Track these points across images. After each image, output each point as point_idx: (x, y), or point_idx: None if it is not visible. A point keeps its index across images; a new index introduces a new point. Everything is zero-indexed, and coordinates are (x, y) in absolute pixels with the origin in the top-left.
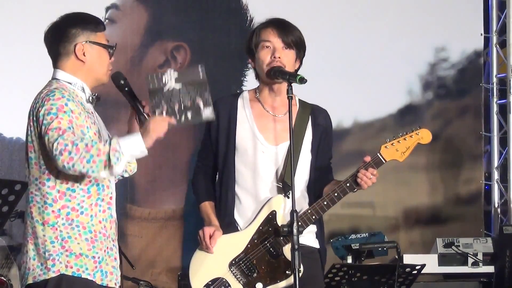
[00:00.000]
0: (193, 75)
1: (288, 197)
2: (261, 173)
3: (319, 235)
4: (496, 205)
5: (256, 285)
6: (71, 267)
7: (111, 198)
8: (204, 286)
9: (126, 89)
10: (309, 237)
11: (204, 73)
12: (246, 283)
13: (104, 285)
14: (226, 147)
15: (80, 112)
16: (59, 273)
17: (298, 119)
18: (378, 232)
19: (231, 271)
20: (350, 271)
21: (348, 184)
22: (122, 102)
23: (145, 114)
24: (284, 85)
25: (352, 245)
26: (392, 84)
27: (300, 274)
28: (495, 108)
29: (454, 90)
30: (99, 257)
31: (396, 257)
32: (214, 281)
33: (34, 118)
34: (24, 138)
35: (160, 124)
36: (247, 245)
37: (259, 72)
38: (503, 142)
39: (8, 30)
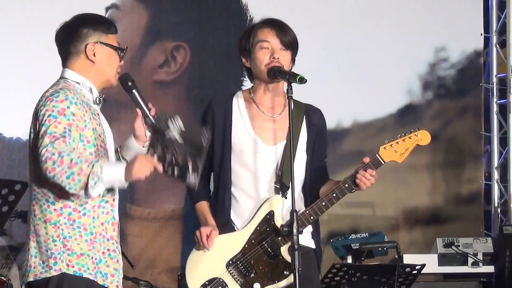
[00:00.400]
0: (196, 138)
1: (286, 198)
2: (258, 173)
3: (315, 235)
4: (496, 205)
5: (254, 285)
6: (73, 266)
7: (114, 200)
8: (201, 286)
9: (134, 91)
10: (305, 237)
11: (207, 142)
12: (243, 283)
13: (105, 286)
14: (222, 147)
15: (83, 115)
16: (60, 272)
17: (293, 119)
18: (378, 232)
19: (229, 271)
20: (350, 271)
21: (346, 185)
22: (122, 102)
23: (151, 117)
24: (279, 85)
25: (352, 245)
26: (392, 84)
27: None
28: (495, 108)
29: (454, 90)
30: (96, 258)
31: (396, 257)
32: (211, 281)
33: (36, 116)
34: (24, 138)
35: (145, 166)
36: (244, 245)
37: (256, 72)
38: (503, 142)
39: (9, 30)
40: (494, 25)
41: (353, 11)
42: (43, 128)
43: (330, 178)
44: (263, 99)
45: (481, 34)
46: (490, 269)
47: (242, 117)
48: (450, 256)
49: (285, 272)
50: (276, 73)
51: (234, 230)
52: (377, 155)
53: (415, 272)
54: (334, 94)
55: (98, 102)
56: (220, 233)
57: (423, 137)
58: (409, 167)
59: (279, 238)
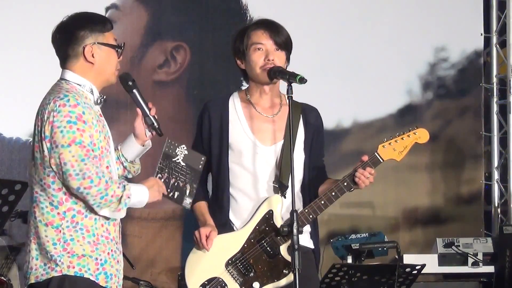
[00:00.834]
0: (195, 162)
1: (285, 197)
2: (257, 173)
3: (314, 235)
4: (496, 205)
5: (253, 285)
6: (73, 267)
7: None
8: (200, 286)
9: (134, 90)
10: (303, 237)
11: (203, 166)
12: (243, 282)
13: (108, 287)
14: (219, 149)
15: (92, 121)
16: (61, 274)
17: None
18: (378, 232)
19: (228, 271)
20: (350, 271)
21: (345, 183)
22: (122, 102)
23: (151, 116)
24: (275, 87)
25: (352, 245)
26: (392, 84)
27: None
28: (495, 108)
29: (454, 90)
30: (101, 259)
31: (396, 257)
32: (210, 280)
33: (44, 119)
34: (24, 138)
35: (159, 191)
36: (243, 245)
37: (251, 75)
38: (503, 142)
39: (8, 31)
40: (494, 25)
41: (353, 11)
42: (67, 135)
43: (328, 177)
44: (260, 100)
45: (481, 34)
46: (490, 269)
47: (239, 118)
48: (450, 256)
49: (284, 271)
50: (276, 73)
51: (233, 230)
52: (375, 154)
53: (415, 272)
54: (334, 94)
55: (99, 103)
56: (219, 233)
57: (422, 135)
58: (409, 167)
59: (278, 238)
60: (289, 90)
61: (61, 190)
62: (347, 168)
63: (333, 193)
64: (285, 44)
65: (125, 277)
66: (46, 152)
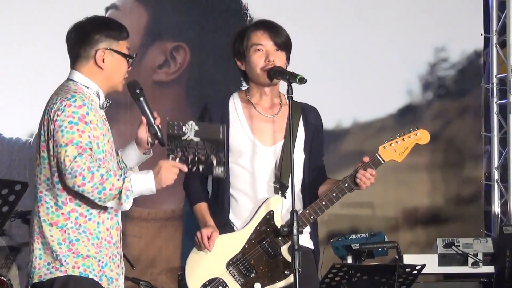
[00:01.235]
0: (214, 133)
1: (285, 197)
2: (257, 174)
3: (313, 235)
4: (496, 205)
5: (254, 285)
6: (78, 268)
7: None
8: (201, 287)
9: (141, 98)
10: (303, 238)
11: (224, 134)
12: (243, 283)
13: None
14: None
15: (97, 121)
16: (66, 274)
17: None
18: (378, 232)
19: (229, 271)
20: (350, 271)
21: (346, 184)
22: (121, 102)
23: (155, 126)
24: (275, 88)
25: (352, 245)
26: (392, 84)
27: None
28: (495, 108)
29: (454, 90)
30: (103, 262)
31: (396, 257)
32: (211, 281)
33: (50, 118)
34: (24, 138)
35: (171, 171)
36: (244, 245)
37: (251, 76)
38: (503, 142)
39: (9, 31)
40: (494, 25)
41: (353, 11)
42: (66, 135)
43: (328, 177)
44: (260, 101)
45: (481, 34)
46: (490, 269)
47: (240, 119)
48: (450, 256)
49: (285, 272)
50: (276, 74)
51: (234, 231)
52: (376, 155)
53: (415, 272)
54: (334, 94)
55: (104, 107)
56: (219, 234)
57: (423, 136)
58: (409, 167)
59: (279, 238)
60: (289, 90)
61: (65, 190)
62: (347, 168)
63: (334, 194)
64: (285, 45)
65: (125, 277)
66: (52, 152)
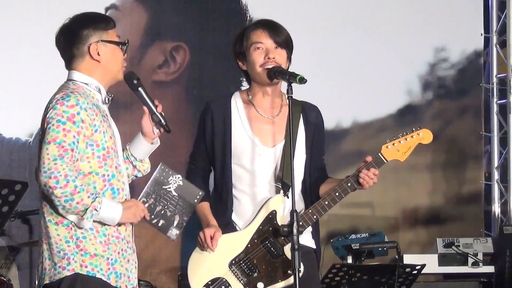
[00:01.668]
0: (191, 195)
1: (288, 197)
2: (259, 175)
3: (315, 235)
4: (496, 205)
5: (257, 285)
6: (86, 267)
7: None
8: (204, 286)
9: (140, 88)
10: (306, 238)
11: (199, 201)
12: (246, 282)
13: (118, 287)
14: (222, 149)
15: (93, 120)
16: (73, 272)
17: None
18: (379, 232)
19: (232, 271)
20: (350, 271)
21: (349, 184)
22: (122, 102)
23: (158, 114)
24: (277, 87)
25: (352, 245)
26: (392, 84)
27: (300, 274)
28: (495, 108)
29: (454, 90)
30: (112, 259)
31: (396, 257)
32: (214, 281)
33: (44, 117)
34: (23, 138)
35: (138, 213)
36: (247, 245)
37: (252, 75)
38: (503, 142)
39: (8, 31)
40: (494, 25)
41: (353, 11)
42: (51, 133)
43: (329, 176)
44: (262, 102)
45: (481, 34)
46: (490, 269)
47: (241, 119)
48: (450, 256)
49: (288, 272)
50: (276, 73)
51: (236, 230)
52: (379, 154)
53: (415, 272)
54: (334, 94)
55: (107, 102)
56: (222, 234)
57: (425, 136)
58: (409, 167)
59: (282, 238)
60: (289, 90)
61: None
62: (347, 168)
63: (337, 194)
64: (285, 42)
65: None
66: None
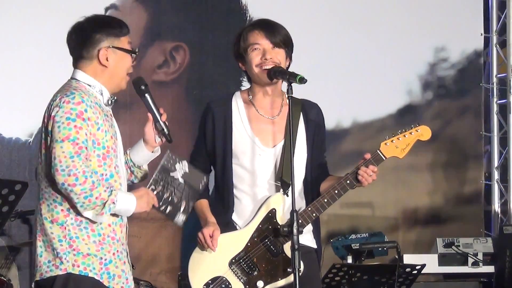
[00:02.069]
0: (196, 180)
1: (288, 195)
2: (259, 175)
3: (316, 234)
4: (496, 205)
5: (257, 283)
6: (78, 266)
7: None
8: (204, 285)
9: (147, 95)
10: (306, 237)
11: (204, 187)
12: (246, 281)
13: (110, 287)
14: (223, 149)
15: (96, 118)
16: (66, 272)
17: (292, 119)
18: (379, 232)
19: (232, 270)
20: (350, 271)
21: (348, 181)
22: (121, 102)
23: (161, 122)
24: (277, 87)
25: (352, 245)
26: (392, 84)
27: (300, 274)
28: (495, 108)
29: (454, 90)
30: (106, 259)
31: (396, 257)
32: (214, 280)
33: (49, 115)
34: (23, 138)
35: (150, 201)
36: (247, 243)
37: (251, 75)
38: (503, 142)
39: (9, 31)
40: (494, 25)
41: (353, 11)
42: (63, 131)
43: (330, 174)
44: (262, 102)
45: (481, 34)
46: (490, 269)
47: (242, 119)
48: (450, 256)
49: (288, 270)
50: (276, 73)
51: (236, 229)
52: (378, 151)
53: (415, 272)
54: (334, 94)
55: (110, 104)
56: (221, 233)
57: (424, 132)
58: (409, 167)
59: (282, 236)
60: (289, 90)
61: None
62: (347, 168)
63: (336, 191)
64: (282, 42)
65: None
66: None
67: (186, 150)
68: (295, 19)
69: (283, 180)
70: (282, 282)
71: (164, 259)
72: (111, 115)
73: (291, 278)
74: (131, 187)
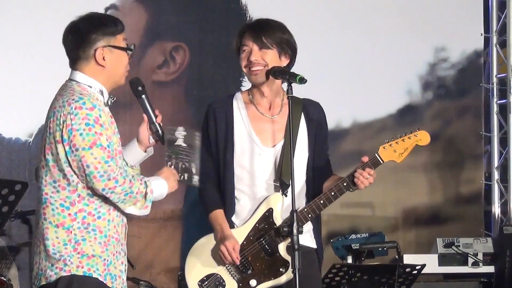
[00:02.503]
0: (193, 139)
1: (286, 195)
2: (259, 175)
3: (316, 234)
4: (496, 205)
5: (250, 282)
6: (82, 267)
7: None
8: (198, 282)
9: (143, 96)
10: (305, 237)
11: (198, 141)
12: (240, 279)
13: None
14: (224, 150)
15: (109, 123)
16: (70, 273)
17: (292, 119)
18: (379, 232)
19: (226, 267)
20: (350, 271)
21: (345, 184)
22: (121, 102)
23: (156, 124)
24: (274, 86)
25: (352, 245)
26: (392, 84)
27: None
28: (495, 108)
29: (454, 90)
30: (108, 260)
31: (396, 257)
32: (208, 276)
33: (60, 121)
34: (23, 138)
35: (176, 179)
36: (242, 242)
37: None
38: (503, 142)
39: (8, 31)
40: (494, 25)
41: (353, 11)
42: (87, 138)
43: (333, 173)
44: (261, 101)
45: (481, 34)
46: (490, 269)
47: (243, 120)
48: (450, 256)
49: (281, 270)
50: (276, 73)
51: (233, 228)
52: (376, 155)
53: (415, 272)
54: (333, 94)
55: (109, 104)
56: None
57: (423, 137)
58: (409, 167)
59: (278, 236)
60: (289, 90)
61: (75, 191)
62: (347, 168)
63: (333, 193)
64: (272, 43)
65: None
66: (61, 155)
67: None
68: (295, 19)
69: (282, 180)
70: (275, 281)
71: (164, 259)
72: (111, 116)
73: (282, 278)
74: (151, 172)
